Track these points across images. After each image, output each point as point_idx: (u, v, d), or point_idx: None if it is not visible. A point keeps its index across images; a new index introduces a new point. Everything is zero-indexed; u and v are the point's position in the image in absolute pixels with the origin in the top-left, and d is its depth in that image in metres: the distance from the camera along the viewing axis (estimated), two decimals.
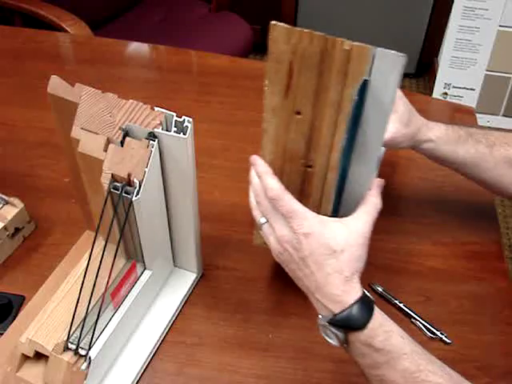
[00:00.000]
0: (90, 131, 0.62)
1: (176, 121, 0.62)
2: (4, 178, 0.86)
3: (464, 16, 2.21)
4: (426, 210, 0.94)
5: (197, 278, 0.81)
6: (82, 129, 0.63)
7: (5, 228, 0.81)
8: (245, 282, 0.81)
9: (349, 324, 0.57)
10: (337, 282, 0.57)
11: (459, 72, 2.35)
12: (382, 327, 0.57)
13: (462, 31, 2.25)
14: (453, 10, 2.22)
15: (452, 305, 0.80)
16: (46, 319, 0.66)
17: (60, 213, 0.89)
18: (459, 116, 1.19)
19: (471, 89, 2.39)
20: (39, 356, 0.65)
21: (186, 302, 0.79)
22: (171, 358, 0.73)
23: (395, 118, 0.77)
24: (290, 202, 0.58)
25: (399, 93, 0.79)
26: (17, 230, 0.83)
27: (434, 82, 2.44)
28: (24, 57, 1.26)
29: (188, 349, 0.74)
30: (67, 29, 1.49)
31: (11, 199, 0.83)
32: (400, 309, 0.79)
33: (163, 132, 0.61)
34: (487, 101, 2.41)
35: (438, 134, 0.79)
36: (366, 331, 0.56)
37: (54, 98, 0.64)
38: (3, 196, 0.83)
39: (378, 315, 0.57)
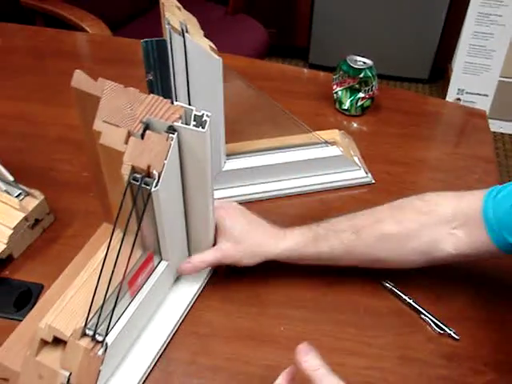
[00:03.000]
0: (112, 124, 0.63)
1: (195, 115, 0.63)
2: (25, 171, 0.88)
3: (478, 22, 2.21)
4: None
5: (211, 270, 0.82)
6: (103, 122, 0.64)
7: (25, 219, 0.82)
8: (258, 276, 0.82)
9: None
10: None
11: (473, 78, 2.35)
12: None
13: (476, 37, 2.25)
14: (467, 16, 2.23)
15: (461, 302, 0.81)
16: (64, 306, 0.67)
17: (79, 205, 0.90)
18: (471, 120, 1.20)
19: (484, 95, 2.39)
20: (57, 341, 0.66)
21: (200, 293, 0.80)
22: (185, 347, 0.74)
23: (226, 238, 0.76)
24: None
25: (239, 211, 0.79)
26: (37, 221, 0.85)
27: (447, 88, 2.44)
28: (45, 55, 1.29)
29: (201, 339, 0.75)
30: (87, 29, 1.52)
31: (32, 191, 0.85)
32: (409, 305, 0.80)
33: (182, 126, 0.63)
34: (500, 107, 2.41)
35: (293, 242, 0.76)
36: None
37: (77, 91, 0.66)
38: (25, 188, 0.85)
39: None
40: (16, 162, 0.88)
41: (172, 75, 0.78)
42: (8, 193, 0.83)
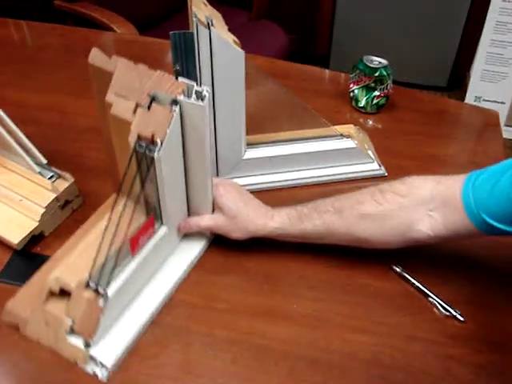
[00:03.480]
0: (122, 96, 0.69)
1: (196, 90, 0.68)
2: (57, 157, 0.92)
3: (496, 30, 2.23)
4: None
5: (209, 239, 0.87)
6: (115, 94, 0.69)
7: (56, 199, 0.86)
8: (272, 256, 0.85)
9: None
10: None
11: (490, 85, 2.37)
12: None
13: (494, 45, 2.27)
14: (485, 24, 2.25)
15: (468, 287, 0.83)
16: (71, 262, 0.72)
17: (105, 190, 0.92)
18: (483, 119, 1.23)
19: (501, 102, 2.40)
20: (63, 293, 0.71)
21: (201, 259, 0.85)
22: (203, 321, 0.77)
23: (222, 211, 0.81)
24: None
25: (236, 189, 0.84)
26: (67, 202, 0.89)
27: (464, 95, 2.46)
28: (77, 52, 1.33)
29: (219, 314, 0.78)
30: (116, 30, 1.58)
31: (63, 173, 0.89)
32: (417, 288, 0.82)
33: (184, 99, 0.68)
34: None
35: (280, 221, 0.81)
36: None
37: (93, 67, 0.72)
38: (57, 170, 0.89)
39: None
40: (48, 149, 0.91)
41: (198, 66, 0.82)
42: (41, 175, 0.88)
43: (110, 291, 0.70)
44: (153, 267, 0.81)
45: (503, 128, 2.42)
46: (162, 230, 0.80)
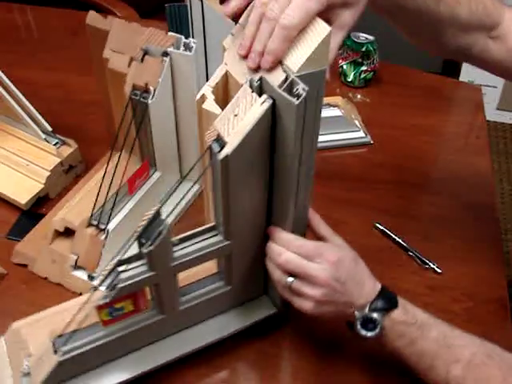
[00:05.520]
0: (118, 52, 0.74)
1: (184, 42, 0.73)
2: (62, 127, 0.96)
3: None
4: (428, 167, 1.02)
5: (200, 187, 0.89)
6: (111, 50, 0.74)
7: (61, 163, 0.89)
8: None
9: (389, 301, 0.61)
10: (367, 278, 0.63)
11: (482, 69, 2.39)
12: (406, 304, 0.62)
13: None
14: None
15: (447, 244, 0.86)
16: (74, 205, 0.77)
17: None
18: (467, 93, 1.27)
19: (493, 86, 2.43)
20: (68, 233, 0.76)
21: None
22: None
23: None
24: (311, 242, 0.62)
25: None
26: (71, 167, 0.92)
27: (457, 80, 2.49)
28: (79, 34, 1.37)
29: None
30: (117, 14, 1.61)
31: (68, 140, 0.92)
32: (398, 244, 0.85)
33: (174, 50, 0.73)
34: (509, 98, 2.45)
35: None
36: (399, 310, 0.61)
37: (90, 28, 0.76)
38: (61, 137, 0.92)
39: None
40: (54, 122, 0.94)
41: (191, 37, 0.87)
42: (47, 141, 0.91)
43: (111, 226, 0.75)
44: (150, 207, 0.85)
45: (495, 112, 2.46)
46: (156, 175, 0.85)
